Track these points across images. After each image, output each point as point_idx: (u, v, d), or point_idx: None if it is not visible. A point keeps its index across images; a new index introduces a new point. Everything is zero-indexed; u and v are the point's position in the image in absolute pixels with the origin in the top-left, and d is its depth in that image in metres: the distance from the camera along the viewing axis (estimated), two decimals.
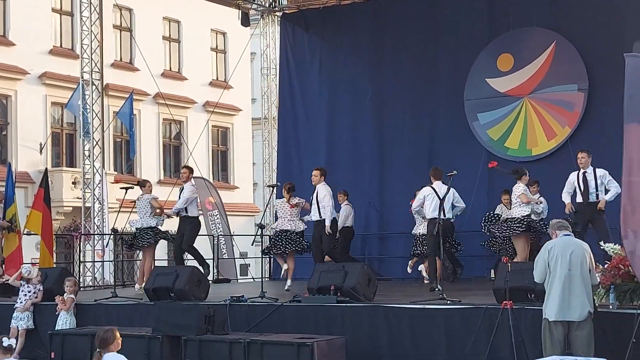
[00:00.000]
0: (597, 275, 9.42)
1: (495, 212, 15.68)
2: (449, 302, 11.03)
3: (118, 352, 8.11)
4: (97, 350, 8.13)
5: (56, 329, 12.85)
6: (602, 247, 10.56)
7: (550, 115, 17.56)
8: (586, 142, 16.88)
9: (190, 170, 15.54)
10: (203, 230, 17.65)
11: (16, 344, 13.18)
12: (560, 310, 8.94)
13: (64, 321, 13.10)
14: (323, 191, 14.49)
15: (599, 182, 13.22)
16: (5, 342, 8.56)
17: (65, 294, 13.31)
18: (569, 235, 9.30)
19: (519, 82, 17.87)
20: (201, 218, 16.41)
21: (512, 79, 17.96)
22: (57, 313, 13.21)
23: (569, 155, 16.83)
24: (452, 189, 13.55)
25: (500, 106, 18.05)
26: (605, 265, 9.94)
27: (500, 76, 18.06)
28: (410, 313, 10.83)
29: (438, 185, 13.97)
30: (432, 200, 13.90)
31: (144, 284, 14.25)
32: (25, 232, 16.43)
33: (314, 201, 14.62)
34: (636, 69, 8.92)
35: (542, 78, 17.66)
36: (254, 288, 13.88)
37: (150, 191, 15.36)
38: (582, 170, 13.48)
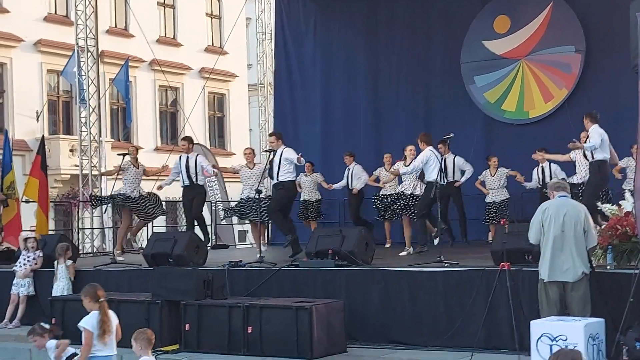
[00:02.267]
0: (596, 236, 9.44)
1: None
2: (446, 264, 11.07)
3: None
4: (102, 300, 8.36)
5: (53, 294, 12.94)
6: (599, 208, 10.58)
7: (547, 77, 17.51)
8: (583, 104, 16.86)
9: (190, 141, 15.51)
10: None
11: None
12: (553, 271, 8.98)
13: (57, 288, 13.20)
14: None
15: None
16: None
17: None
18: (564, 196, 9.31)
19: (516, 44, 17.79)
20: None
21: (509, 41, 17.87)
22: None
23: (566, 117, 16.85)
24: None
25: (497, 69, 17.99)
26: (603, 226, 9.97)
27: (497, 38, 17.99)
28: (408, 276, 10.85)
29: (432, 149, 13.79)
30: (435, 164, 13.63)
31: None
32: (23, 200, 16.45)
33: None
34: None
35: (539, 40, 17.59)
36: (252, 253, 13.94)
37: None
38: None
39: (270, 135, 14.92)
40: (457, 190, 15.80)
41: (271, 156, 14.04)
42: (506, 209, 15.77)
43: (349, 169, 17.08)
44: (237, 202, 15.22)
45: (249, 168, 14.64)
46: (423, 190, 13.83)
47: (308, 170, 17.55)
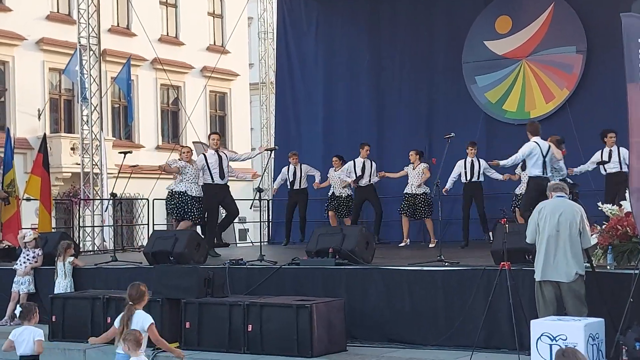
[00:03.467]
0: (594, 236, 9.44)
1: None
2: (447, 264, 11.09)
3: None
4: (130, 303, 8.47)
5: (55, 292, 12.95)
6: (599, 208, 10.59)
7: (549, 78, 17.50)
8: (585, 104, 16.90)
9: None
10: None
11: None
12: (546, 270, 9.03)
13: (59, 285, 13.21)
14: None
15: None
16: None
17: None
18: (562, 197, 9.32)
19: (518, 44, 17.78)
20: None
21: (510, 41, 17.87)
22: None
23: (567, 118, 16.86)
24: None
25: (498, 69, 17.98)
26: (603, 226, 9.98)
27: (499, 38, 17.98)
28: (409, 275, 10.87)
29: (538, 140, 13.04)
30: (538, 157, 12.84)
31: None
32: (24, 198, 16.46)
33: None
34: (633, 28, 8.85)
35: (540, 40, 17.58)
36: (253, 252, 13.94)
37: None
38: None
39: (216, 133, 15.32)
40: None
41: (272, 154, 14.11)
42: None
43: (295, 168, 16.97)
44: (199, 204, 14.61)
45: (193, 167, 14.49)
46: (526, 185, 13.28)
47: (337, 165, 17.04)
